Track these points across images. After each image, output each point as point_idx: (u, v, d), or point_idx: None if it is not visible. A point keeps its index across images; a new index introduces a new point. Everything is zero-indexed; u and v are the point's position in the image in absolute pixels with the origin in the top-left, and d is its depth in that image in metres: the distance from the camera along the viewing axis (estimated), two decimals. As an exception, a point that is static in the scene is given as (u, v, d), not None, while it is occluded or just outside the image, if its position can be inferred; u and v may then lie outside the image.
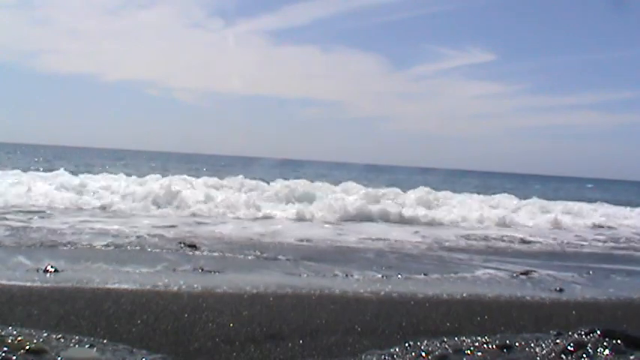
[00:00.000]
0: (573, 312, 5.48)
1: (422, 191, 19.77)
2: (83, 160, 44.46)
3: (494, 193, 23.95)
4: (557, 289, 6.73)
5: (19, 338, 3.07)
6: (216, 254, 8.25)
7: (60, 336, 3.37)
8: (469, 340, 3.61)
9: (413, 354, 3.47)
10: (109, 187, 16.51)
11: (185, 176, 20.14)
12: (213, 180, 19.64)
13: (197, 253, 8.34)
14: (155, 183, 16.92)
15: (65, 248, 7.94)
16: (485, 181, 48.27)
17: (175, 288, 5.55)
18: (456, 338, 3.70)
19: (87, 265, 6.76)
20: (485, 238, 12.37)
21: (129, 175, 19.77)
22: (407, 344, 3.63)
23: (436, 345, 3.57)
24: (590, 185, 62.22)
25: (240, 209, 14.35)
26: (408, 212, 15.63)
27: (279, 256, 8.27)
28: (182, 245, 8.88)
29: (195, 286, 5.68)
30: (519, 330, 4.24)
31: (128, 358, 3.26)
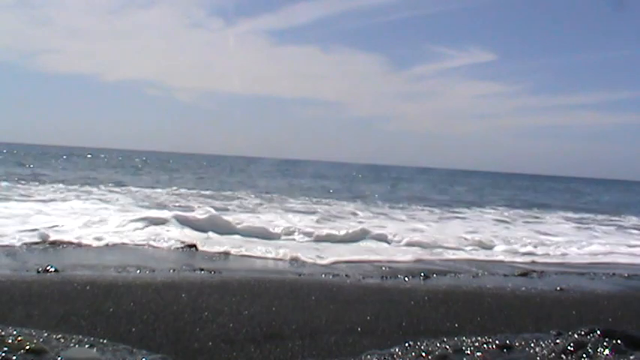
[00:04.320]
0: (573, 312, 5.48)
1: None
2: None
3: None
4: (558, 289, 6.73)
5: (19, 338, 3.06)
6: (216, 254, 8.26)
7: (60, 336, 3.37)
8: (469, 340, 3.61)
9: (413, 354, 3.46)
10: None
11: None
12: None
13: (197, 253, 8.36)
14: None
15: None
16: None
17: (175, 288, 5.54)
18: (456, 338, 3.70)
19: (87, 265, 6.76)
20: None
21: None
22: (407, 344, 3.63)
23: (436, 345, 3.57)
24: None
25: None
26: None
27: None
28: (182, 245, 8.89)
29: (195, 286, 5.68)
30: (519, 330, 4.23)
31: (128, 358, 3.26)
